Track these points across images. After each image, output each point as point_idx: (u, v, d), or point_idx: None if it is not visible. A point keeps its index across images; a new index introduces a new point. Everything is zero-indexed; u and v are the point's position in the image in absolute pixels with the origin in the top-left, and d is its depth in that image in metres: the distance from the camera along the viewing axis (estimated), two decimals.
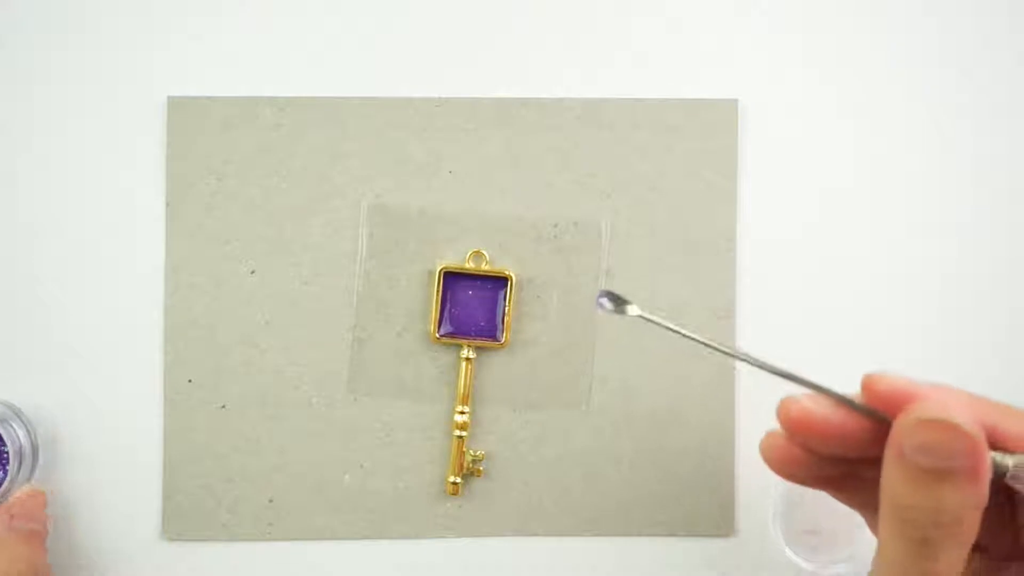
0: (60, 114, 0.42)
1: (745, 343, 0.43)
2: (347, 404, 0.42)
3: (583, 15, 0.43)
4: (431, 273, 0.42)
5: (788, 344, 0.43)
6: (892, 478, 0.26)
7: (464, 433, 0.41)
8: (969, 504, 0.26)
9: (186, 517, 0.42)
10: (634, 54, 0.43)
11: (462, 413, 0.41)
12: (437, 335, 0.42)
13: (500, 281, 0.42)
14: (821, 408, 0.28)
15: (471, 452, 0.42)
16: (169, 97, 0.42)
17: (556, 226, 0.42)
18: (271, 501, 0.42)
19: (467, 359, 0.42)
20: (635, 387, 0.42)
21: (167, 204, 0.42)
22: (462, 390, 0.41)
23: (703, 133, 0.43)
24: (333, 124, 0.42)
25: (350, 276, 0.42)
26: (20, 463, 0.40)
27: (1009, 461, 0.27)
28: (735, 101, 0.43)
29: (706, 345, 0.29)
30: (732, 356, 0.31)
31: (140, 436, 0.42)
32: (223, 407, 0.42)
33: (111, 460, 0.42)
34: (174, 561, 0.42)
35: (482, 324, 0.42)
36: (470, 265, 0.42)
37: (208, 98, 0.42)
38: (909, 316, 0.43)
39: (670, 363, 0.42)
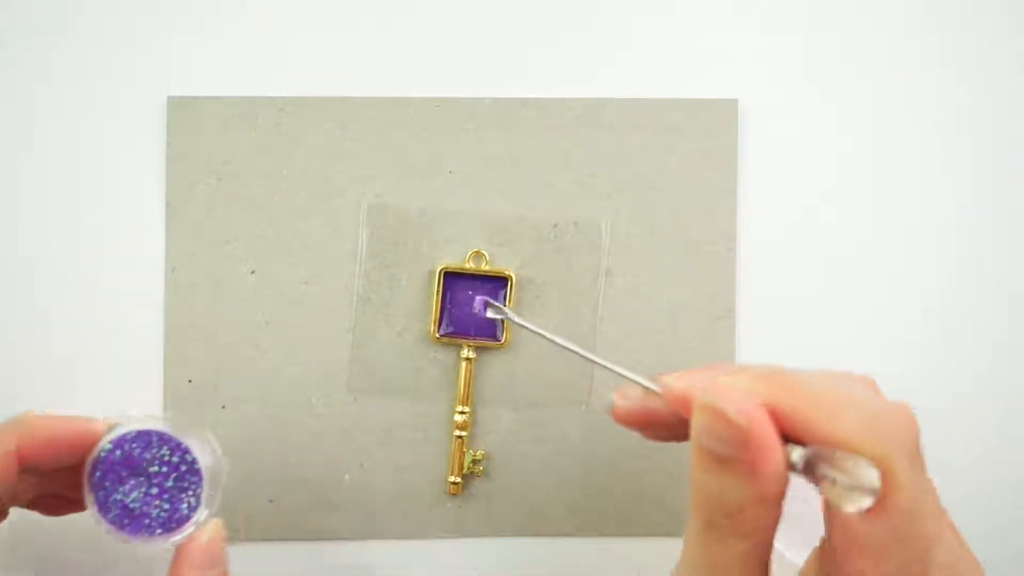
0: (60, 114, 0.42)
1: (745, 343, 0.43)
2: (347, 404, 0.42)
3: (583, 15, 0.43)
4: (431, 273, 0.42)
5: (788, 344, 0.43)
6: (692, 456, 0.27)
7: (464, 433, 0.41)
8: (749, 496, 0.26)
9: None
10: (634, 54, 0.43)
11: (462, 413, 0.41)
12: (437, 335, 0.42)
13: (500, 281, 0.42)
14: (628, 402, 0.31)
15: (471, 452, 0.42)
16: (169, 97, 0.42)
17: (556, 226, 0.42)
18: (271, 501, 0.42)
19: (467, 359, 0.42)
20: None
21: (167, 204, 0.42)
22: (462, 390, 0.41)
23: (703, 133, 0.43)
24: (333, 124, 0.42)
25: (350, 276, 0.42)
26: (212, 492, 0.34)
27: (795, 455, 0.26)
28: (735, 101, 0.43)
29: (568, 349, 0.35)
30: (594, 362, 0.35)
31: None
32: (223, 407, 0.42)
33: None
34: None
35: (482, 324, 0.42)
36: (470, 265, 0.42)
37: (208, 98, 0.42)
38: (909, 316, 0.43)
39: (670, 363, 0.42)
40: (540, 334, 0.37)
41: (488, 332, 0.42)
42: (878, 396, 0.28)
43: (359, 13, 0.43)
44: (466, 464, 0.42)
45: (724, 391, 0.26)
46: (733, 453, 0.26)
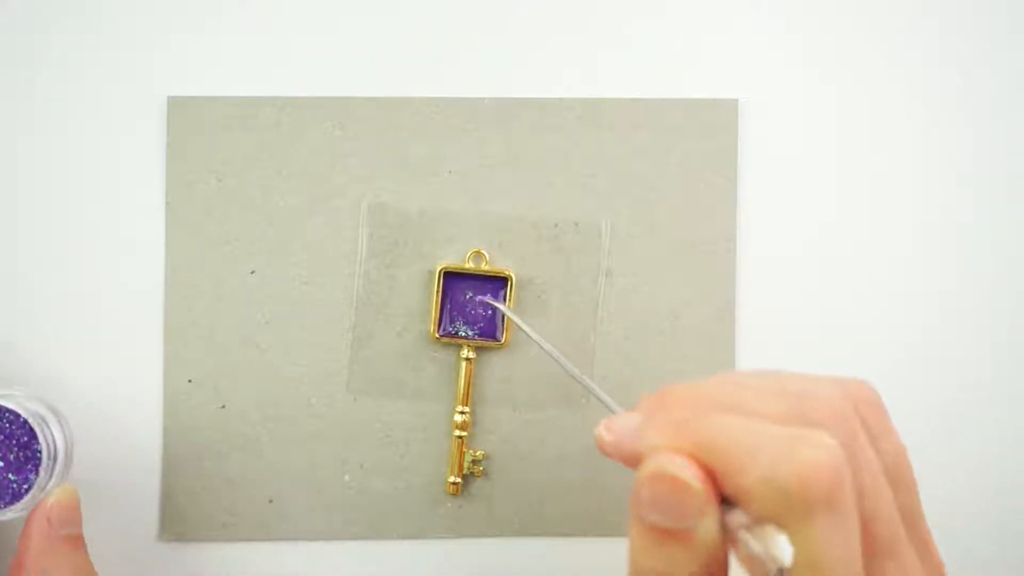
0: (60, 113, 0.42)
1: (745, 343, 0.43)
2: (347, 404, 0.42)
3: (583, 15, 0.43)
4: (431, 273, 0.42)
5: (788, 344, 0.43)
6: (632, 535, 0.25)
7: (464, 433, 0.41)
8: (701, 566, 0.24)
9: (185, 517, 0.42)
10: (634, 54, 0.43)
11: (462, 413, 0.41)
12: (437, 335, 0.42)
13: (500, 281, 0.42)
14: (610, 435, 0.28)
15: (471, 452, 0.42)
16: (169, 97, 0.42)
17: (556, 226, 0.42)
18: (271, 501, 0.42)
19: (467, 359, 0.42)
20: (635, 387, 0.42)
21: (167, 204, 0.42)
22: (462, 390, 0.41)
23: (703, 133, 0.43)
24: (333, 124, 0.42)
25: (350, 276, 0.42)
26: (54, 466, 0.36)
27: (727, 517, 0.25)
28: (735, 101, 0.43)
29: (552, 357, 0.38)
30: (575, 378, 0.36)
31: (140, 436, 0.42)
32: (223, 407, 0.42)
33: (110, 460, 0.42)
34: (173, 562, 0.42)
35: (482, 324, 0.42)
36: (470, 265, 0.42)
37: (208, 98, 0.42)
38: (909, 316, 0.43)
39: (670, 363, 0.42)
40: (526, 331, 0.39)
41: (488, 332, 0.42)
42: (806, 432, 0.25)
43: (359, 13, 0.43)
44: (466, 464, 0.42)
45: (667, 455, 0.25)
46: (684, 523, 0.24)
